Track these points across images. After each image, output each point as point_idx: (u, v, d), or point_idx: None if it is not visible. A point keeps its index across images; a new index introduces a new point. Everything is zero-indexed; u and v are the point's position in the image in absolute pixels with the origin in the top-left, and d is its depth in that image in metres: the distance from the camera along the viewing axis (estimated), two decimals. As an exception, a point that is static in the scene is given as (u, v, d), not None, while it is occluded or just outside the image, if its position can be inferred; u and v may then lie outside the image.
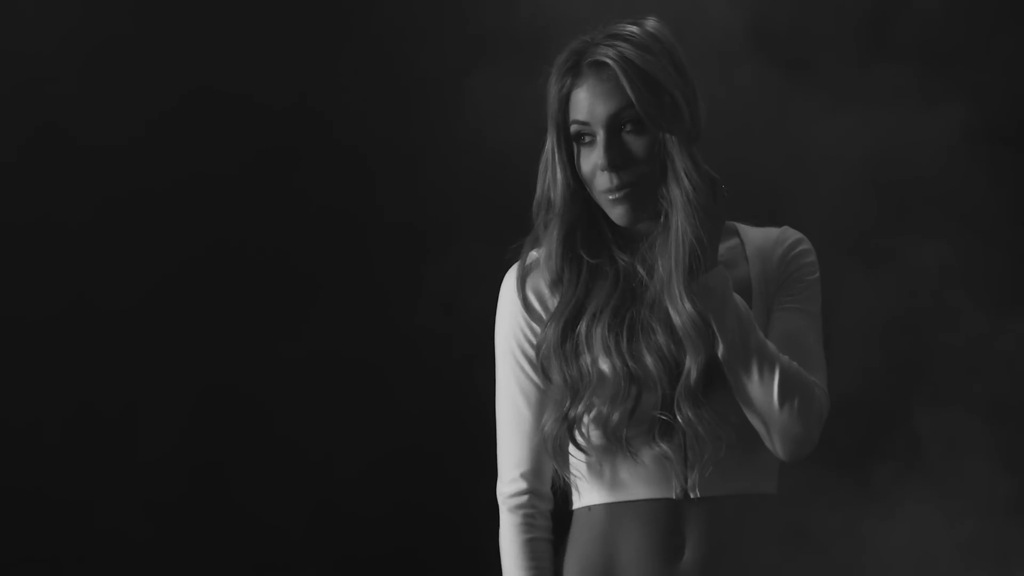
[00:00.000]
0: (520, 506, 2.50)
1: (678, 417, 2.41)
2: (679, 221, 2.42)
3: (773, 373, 2.40)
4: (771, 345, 2.42)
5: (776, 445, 2.43)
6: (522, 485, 2.51)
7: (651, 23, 2.48)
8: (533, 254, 2.53)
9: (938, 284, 3.85)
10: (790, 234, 2.56)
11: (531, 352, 2.51)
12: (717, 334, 2.40)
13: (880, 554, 3.73)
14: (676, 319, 2.41)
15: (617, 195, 2.45)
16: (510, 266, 2.57)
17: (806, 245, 2.55)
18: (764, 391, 2.41)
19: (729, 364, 2.41)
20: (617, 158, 2.44)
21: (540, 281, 2.53)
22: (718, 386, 2.43)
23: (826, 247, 2.69)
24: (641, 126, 2.43)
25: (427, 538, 3.91)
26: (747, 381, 2.41)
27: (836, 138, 3.85)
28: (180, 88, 3.87)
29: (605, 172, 2.44)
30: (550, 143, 2.51)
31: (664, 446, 2.42)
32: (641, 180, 2.44)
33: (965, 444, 3.76)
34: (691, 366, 2.41)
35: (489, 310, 2.57)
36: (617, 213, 2.47)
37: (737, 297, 2.41)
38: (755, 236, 2.56)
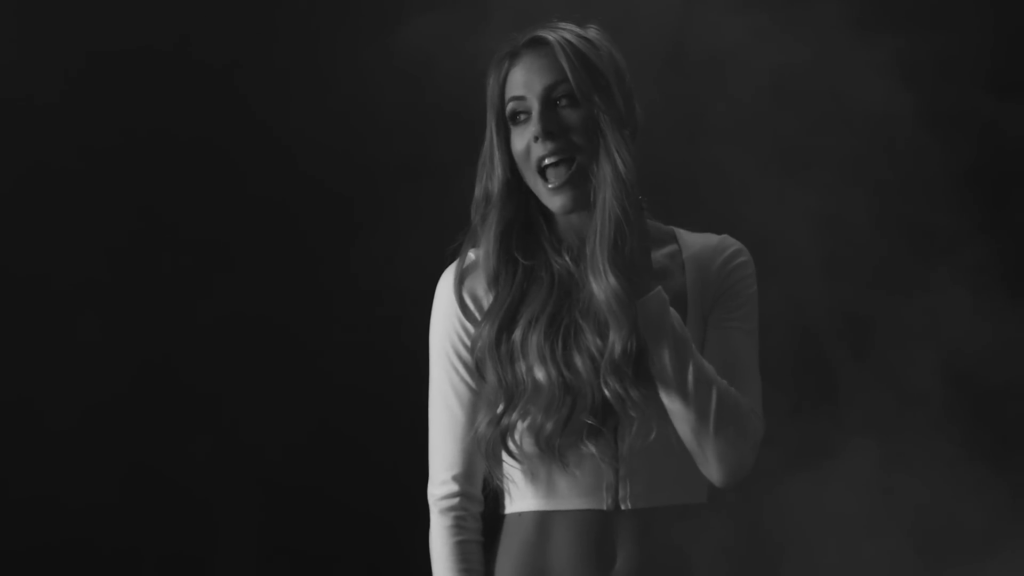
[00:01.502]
0: (451, 508, 2.49)
1: (606, 392, 2.40)
2: (607, 196, 2.42)
3: (710, 401, 2.40)
4: (708, 368, 2.41)
5: (711, 471, 2.43)
6: (453, 487, 2.49)
7: (592, 28, 2.52)
8: (471, 255, 2.52)
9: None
10: (729, 243, 2.55)
11: (465, 355, 2.50)
12: (653, 359, 2.39)
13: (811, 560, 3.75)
14: (600, 294, 2.40)
15: (551, 161, 2.44)
16: (448, 260, 2.56)
17: (745, 256, 2.55)
18: (700, 419, 2.40)
19: (666, 389, 2.40)
20: (551, 125, 2.45)
21: (476, 283, 2.51)
22: (647, 382, 2.41)
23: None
24: (575, 100, 2.45)
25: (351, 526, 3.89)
26: (683, 407, 2.40)
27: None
28: (89, 47, 3.80)
29: (539, 142, 2.45)
30: (489, 133, 2.52)
31: (593, 449, 2.41)
32: (575, 155, 2.44)
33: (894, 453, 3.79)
34: (615, 340, 2.39)
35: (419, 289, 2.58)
36: (557, 202, 2.46)
37: (676, 319, 2.40)
38: (693, 243, 2.55)
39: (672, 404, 2.40)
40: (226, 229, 3.84)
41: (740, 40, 3.81)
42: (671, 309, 2.40)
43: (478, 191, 2.53)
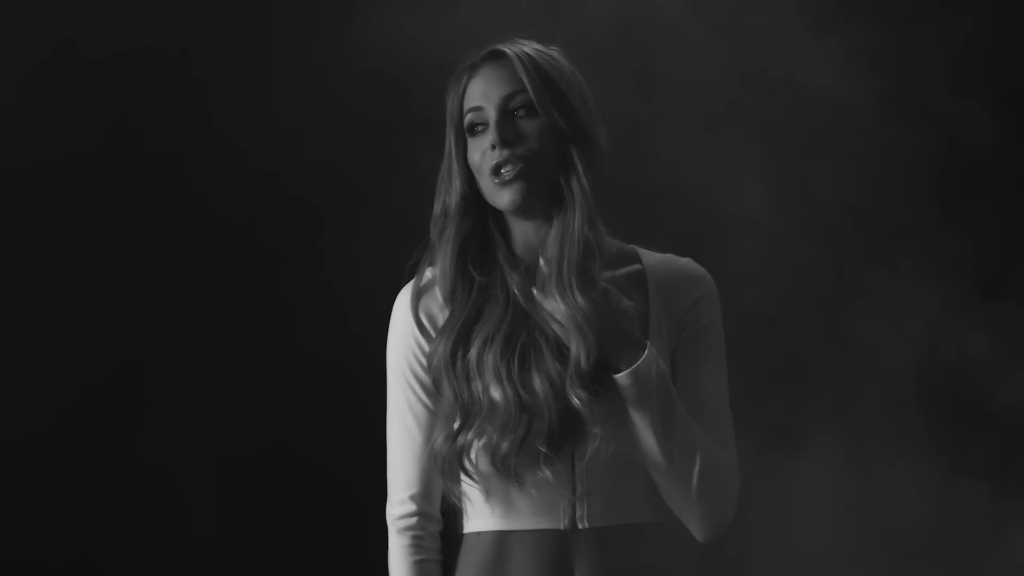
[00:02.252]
0: (409, 528, 2.49)
1: (575, 403, 2.39)
2: (574, 215, 2.43)
3: (693, 470, 2.41)
4: (692, 430, 2.41)
5: (693, 528, 2.45)
6: (411, 507, 2.49)
7: (555, 48, 2.53)
8: (427, 274, 2.52)
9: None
10: (695, 271, 2.55)
11: (422, 375, 2.49)
12: (638, 425, 2.40)
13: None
14: (566, 312, 2.39)
15: (507, 169, 2.44)
16: (406, 278, 2.55)
17: (712, 285, 2.55)
18: (682, 485, 2.42)
19: (648, 454, 2.41)
20: (507, 134, 2.45)
21: (432, 302, 2.51)
22: (610, 397, 2.41)
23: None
24: (533, 111, 2.46)
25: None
26: (665, 471, 2.41)
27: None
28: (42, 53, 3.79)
29: (495, 150, 2.45)
30: (448, 147, 2.52)
31: (549, 473, 2.40)
32: (531, 160, 2.44)
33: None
34: (580, 353, 2.39)
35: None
36: (506, 197, 2.45)
37: (665, 380, 2.40)
38: (657, 264, 2.54)
39: (652, 464, 2.41)
40: (189, 235, 3.82)
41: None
42: (659, 364, 2.40)
43: (437, 207, 2.53)
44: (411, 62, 3.65)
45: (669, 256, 2.56)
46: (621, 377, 2.38)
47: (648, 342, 2.41)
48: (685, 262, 2.56)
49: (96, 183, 3.79)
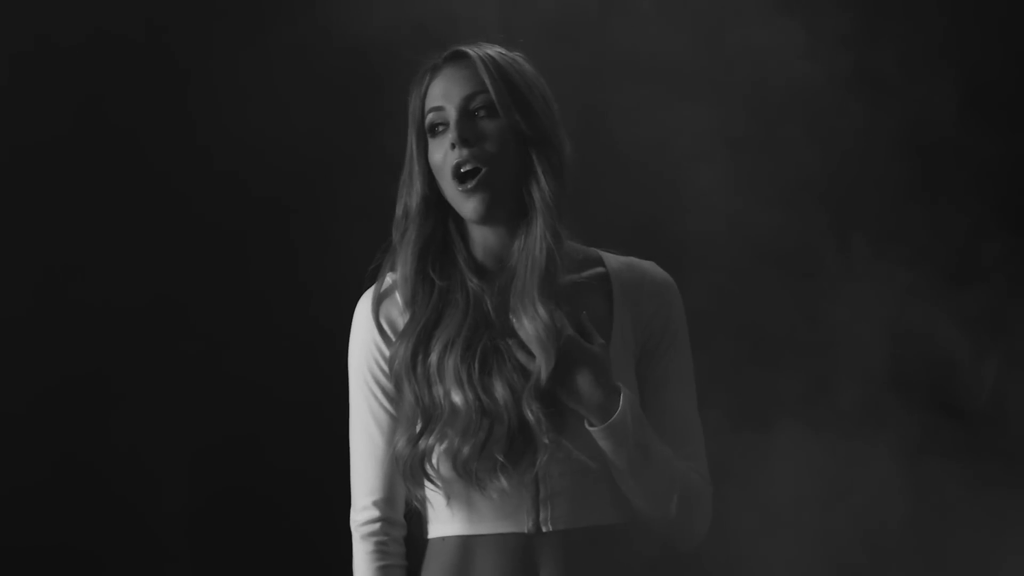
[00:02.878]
0: (372, 533, 2.49)
1: (528, 416, 2.40)
2: (538, 224, 2.44)
3: (671, 497, 2.45)
4: (668, 462, 2.44)
5: (671, 543, 2.50)
6: (374, 513, 2.49)
7: (518, 53, 2.53)
8: (388, 280, 2.52)
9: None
10: (659, 276, 2.56)
11: (384, 381, 2.50)
12: (613, 464, 2.42)
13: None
14: (528, 325, 2.40)
15: (468, 168, 2.44)
16: (367, 283, 2.56)
17: (676, 291, 2.56)
18: (661, 511, 2.46)
19: (626, 489, 2.44)
20: (467, 133, 2.45)
21: (393, 308, 2.51)
22: (566, 408, 2.42)
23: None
24: (493, 111, 2.46)
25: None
26: (644, 501, 2.45)
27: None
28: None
29: (455, 150, 2.45)
30: (409, 148, 2.52)
31: (504, 484, 2.41)
32: (491, 162, 2.44)
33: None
34: (541, 367, 2.40)
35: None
36: (470, 206, 2.45)
37: (639, 426, 2.41)
38: (620, 268, 2.54)
39: (630, 495, 2.45)
40: (160, 227, 3.80)
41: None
42: (634, 408, 2.41)
43: (399, 209, 2.53)
44: (383, 50, 3.64)
45: (632, 259, 2.56)
46: (596, 431, 2.40)
47: (621, 389, 2.41)
48: (648, 266, 2.56)
49: (65, 175, 3.75)
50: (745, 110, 3.86)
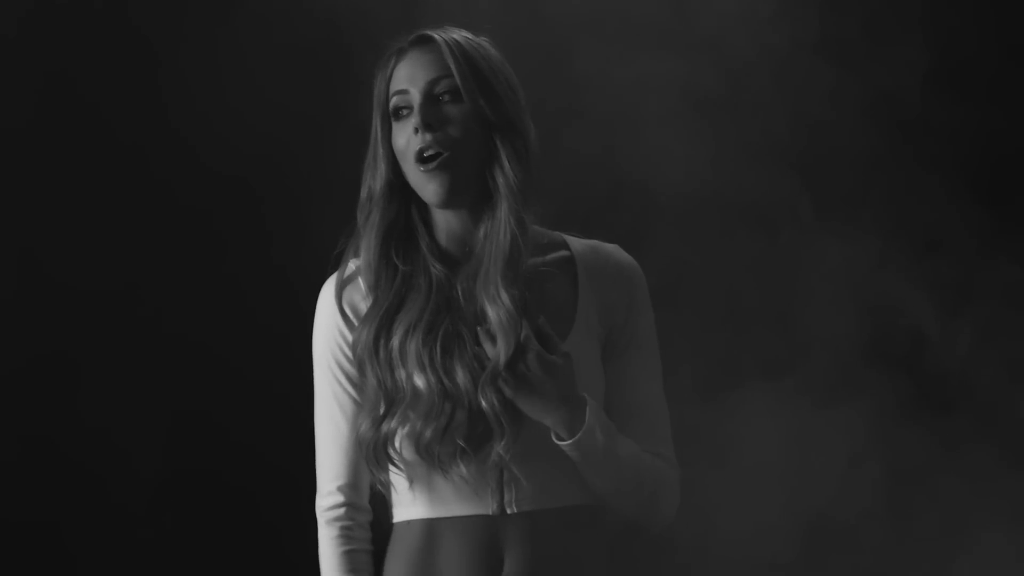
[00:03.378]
0: (338, 519, 2.50)
1: (483, 402, 2.40)
2: (503, 210, 2.44)
3: (640, 494, 2.47)
4: (638, 459, 2.45)
5: (638, 525, 2.52)
6: (339, 498, 2.50)
7: (484, 38, 2.53)
8: (351, 266, 2.52)
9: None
10: (624, 260, 2.56)
11: (348, 366, 2.50)
12: (584, 472, 2.44)
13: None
14: (491, 311, 2.41)
15: (430, 153, 2.44)
16: (331, 267, 2.56)
17: (641, 275, 2.56)
18: (630, 507, 2.48)
19: (595, 491, 2.46)
20: (430, 117, 2.45)
21: (356, 294, 2.51)
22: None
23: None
24: (458, 96, 2.46)
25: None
26: (613, 501, 2.47)
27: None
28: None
29: (418, 134, 2.45)
30: (373, 131, 2.52)
31: (464, 468, 2.42)
32: (454, 147, 2.44)
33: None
34: (501, 353, 2.40)
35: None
36: (431, 189, 2.45)
37: (608, 436, 2.42)
38: (585, 251, 2.54)
39: (596, 490, 2.46)
40: (125, 207, 3.80)
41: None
42: (600, 418, 2.42)
43: (363, 192, 2.53)
44: (354, 19, 3.64)
45: (596, 243, 2.56)
46: (564, 446, 2.41)
47: (587, 402, 2.41)
48: (613, 249, 2.57)
49: (32, 155, 3.75)
50: (713, 74, 3.86)
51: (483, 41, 2.51)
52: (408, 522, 2.48)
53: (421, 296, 2.46)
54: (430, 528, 2.46)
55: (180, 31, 3.80)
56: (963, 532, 3.81)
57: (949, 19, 3.90)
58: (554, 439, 2.41)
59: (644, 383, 2.52)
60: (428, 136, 2.45)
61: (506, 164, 2.45)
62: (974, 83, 3.90)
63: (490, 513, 2.44)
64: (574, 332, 2.48)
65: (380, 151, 2.51)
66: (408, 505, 2.48)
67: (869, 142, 3.90)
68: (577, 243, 2.55)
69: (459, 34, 2.49)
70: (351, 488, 2.50)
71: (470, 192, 2.47)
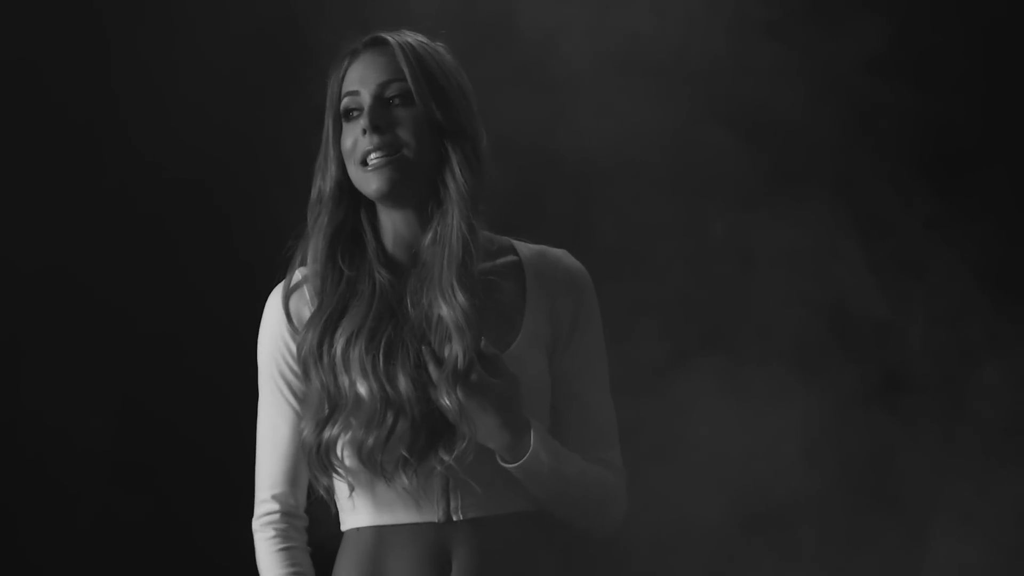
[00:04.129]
0: (272, 523, 2.50)
1: (445, 401, 2.39)
2: (454, 215, 2.43)
3: (586, 506, 2.47)
4: (584, 473, 2.45)
5: (585, 532, 2.52)
6: (275, 506, 2.50)
7: (440, 43, 2.52)
8: (297, 275, 2.51)
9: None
10: (572, 266, 2.56)
11: (291, 377, 2.50)
12: (530, 490, 2.44)
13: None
14: (447, 312, 2.40)
15: (376, 156, 2.43)
16: (279, 270, 2.55)
17: (589, 281, 2.56)
18: (578, 519, 2.49)
19: (542, 505, 2.46)
20: (379, 120, 2.44)
21: (302, 303, 2.51)
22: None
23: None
24: (409, 100, 2.45)
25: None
26: (561, 514, 2.48)
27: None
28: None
29: (366, 136, 2.44)
30: (325, 132, 2.52)
31: (405, 479, 2.41)
32: (402, 150, 2.43)
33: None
34: (458, 352, 2.39)
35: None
36: (375, 184, 2.45)
37: (554, 456, 2.42)
38: (532, 256, 2.54)
39: (543, 505, 2.47)
40: (72, 189, 3.77)
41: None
42: (544, 441, 2.42)
43: (313, 193, 2.53)
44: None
45: (543, 248, 2.56)
46: (508, 468, 2.41)
47: (531, 425, 2.41)
48: (561, 254, 2.57)
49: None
50: (665, 42, 3.85)
51: (438, 46, 2.51)
52: (357, 529, 2.47)
53: (364, 302, 2.45)
54: (378, 535, 2.45)
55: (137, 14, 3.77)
56: (922, 519, 3.83)
57: (903, 3, 3.89)
58: (499, 461, 2.41)
59: (591, 389, 2.52)
60: (376, 138, 2.44)
61: (456, 170, 2.44)
62: (927, 69, 3.89)
63: (436, 520, 2.44)
64: (520, 338, 2.48)
65: (331, 152, 2.50)
66: (355, 512, 2.47)
67: (825, 119, 3.89)
68: (525, 248, 2.55)
69: (414, 37, 2.49)
70: (288, 496, 2.50)
71: (415, 193, 2.46)
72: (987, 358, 3.81)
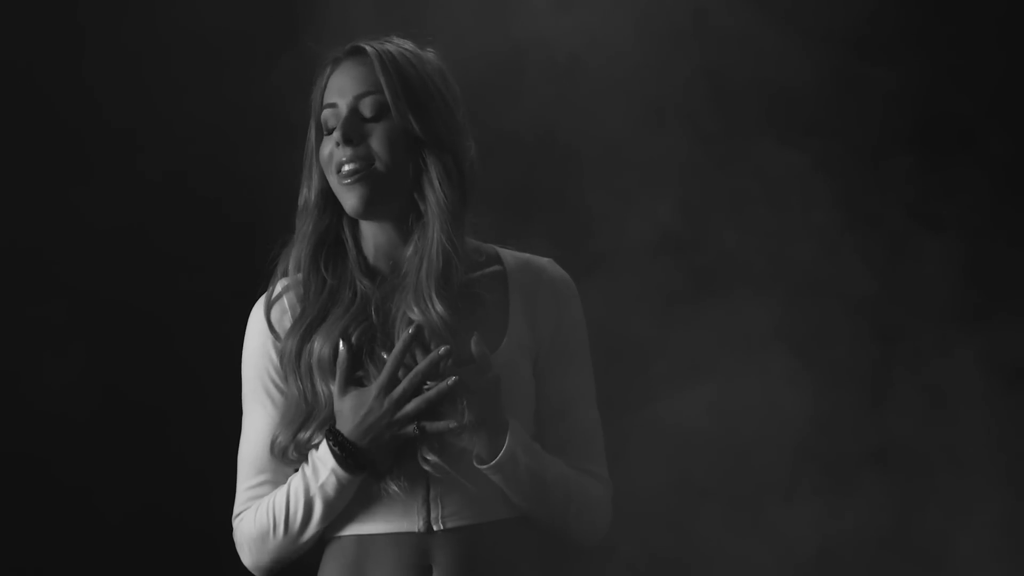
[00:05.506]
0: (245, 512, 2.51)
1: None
2: (435, 228, 2.43)
3: (567, 514, 2.48)
4: (565, 479, 2.46)
5: (568, 541, 2.53)
6: (254, 504, 2.51)
7: (429, 51, 2.51)
8: (278, 287, 2.52)
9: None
10: (556, 275, 2.57)
11: (272, 390, 2.50)
12: (510, 495, 2.44)
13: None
14: (424, 321, 2.40)
15: (348, 168, 2.44)
16: (264, 278, 2.56)
17: (574, 290, 2.57)
18: (559, 527, 2.49)
19: (522, 511, 2.47)
20: (352, 132, 2.45)
21: (284, 315, 2.52)
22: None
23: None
24: (385, 112, 2.45)
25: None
26: (541, 521, 2.49)
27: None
28: None
29: (339, 148, 2.44)
30: (309, 141, 2.52)
31: (392, 482, 2.43)
32: (374, 163, 2.44)
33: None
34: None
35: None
36: (350, 201, 2.46)
37: (532, 457, 2.43)
38: (517, 265, 2.55)
39: (524, 512, 2.48)
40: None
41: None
42: (522, 441, 2.42)
43: (300, 201, 2.54)
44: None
45: (529, 257, 2.57)
46: (484, 469, 2.42)
47: (508, 424, 2.41)
48: (546, 263, 2.58)
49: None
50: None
51: (427, 52, 2.50)
52: (339, 538, 2.48)
53: (343, 309, 2.46)
54: (360, 544, 2.46)
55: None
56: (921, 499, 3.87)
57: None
58: (475, 463, 2.42)
59: (576, 399, 2.53)
60: (348, 151, 2.45)
61: (436, 183, 2.44)
62: (908, 43, 3.89)
63: (416, 530, 2.45)
64: (504, 347, 2.48)
65: (315, 160, 2.51)
66: (337, 521, 2.47)
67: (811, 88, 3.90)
68: (510, 257, 2.56)
69: (397, 46, 2.48)
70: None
71: (391, 206, 2.47)
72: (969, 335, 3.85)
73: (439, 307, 2.41)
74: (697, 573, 3.80)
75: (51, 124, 3.73)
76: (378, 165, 2.44)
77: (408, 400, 2.38)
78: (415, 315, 2.41)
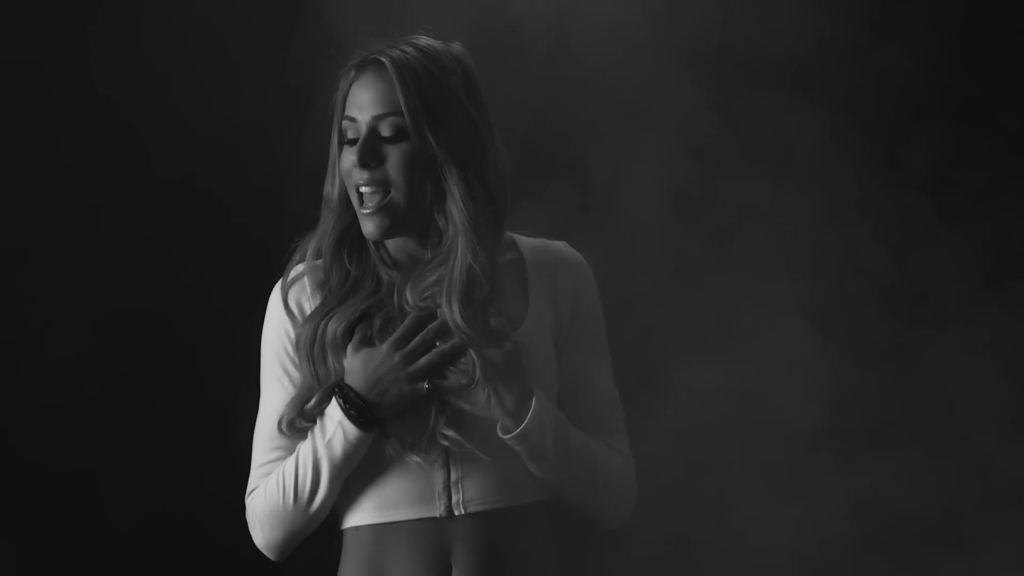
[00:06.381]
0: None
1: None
2: (459, 246, 2.42)
3: (594, 487, 2.47)
4: (590, 452, 2.45)
5: (594, 522, 2.52)
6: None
7: (456, 46, 2.48)
8: (293, 273, 2.52)
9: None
10: (572, 257, 2.56)
11: (292, 368, 2.49)
12: (535, 468, 2.43)
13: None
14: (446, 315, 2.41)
15: (366, 192, 2.43)
16: (283, 267, 2.55)
17: (589, 271, 2.56)
18: (584, 501, 2.48)
19: (546, 486, 2.46)
20: (368, 156, 2.43)
21: (302, 295, 2.51)
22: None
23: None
24: (404, 134, 2.42)
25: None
26: (567, 495, 2.48)
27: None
28: None
29: (357, 169, 2.43)
30: (333, 140, 2.51)
31: (413, 454, 2.42)
32: (391, 192, 2.43)
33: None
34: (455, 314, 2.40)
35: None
36: (368, 228, 2.45)
37: (558, 426, 2.42)
38: (533, 251, 2.54)
39: (548, 487, 2.46)
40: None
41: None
42: (548, 409, 2.42)
43: (325, 190, 2.53)
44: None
45: (543, 241, 2.57)
46: (509, 439, 2.41)
47: (534, 392, 2.40)
48: (561, 246, 2.57)
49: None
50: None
51: (454, 49, 2.47)
52: (356, 528, 2.48)
53: (364, 293, 2.47)
54: (378, 533, 2.46)
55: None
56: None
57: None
58: (499, 433, 2.41)
59: (595, 377, 2.53)
60: (365, 174, 2.43)
61: (460, 202, 2.42)
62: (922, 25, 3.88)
63: (437, 516, 2.44)
64: (526, 324, 2.48)
65: (337, 165, 2.49)
66: (355, 510, 2.47)
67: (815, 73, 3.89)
68: (525, 242, 2.55)
69: (419, 53, 2.44)
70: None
71: (413, 226, 2.46)
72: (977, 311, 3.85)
73: (462, 324, 2.39)
74: (716, 552, 3.80)
75: (58, 122, 3.75)
76: (395, 193, 2.43)
77: (420, 357, 2.39)
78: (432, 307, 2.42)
